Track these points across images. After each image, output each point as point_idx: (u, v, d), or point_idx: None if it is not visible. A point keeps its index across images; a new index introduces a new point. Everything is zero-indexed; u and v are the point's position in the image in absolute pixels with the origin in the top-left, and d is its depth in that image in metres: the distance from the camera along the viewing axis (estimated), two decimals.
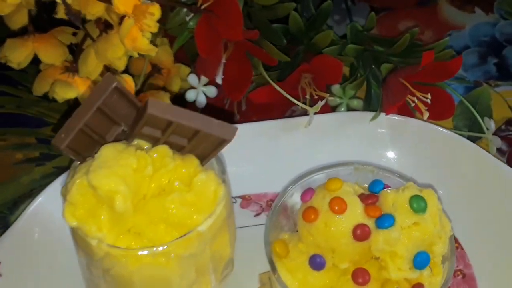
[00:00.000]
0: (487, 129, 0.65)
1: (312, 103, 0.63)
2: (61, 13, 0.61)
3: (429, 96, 0.62)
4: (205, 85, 0.65)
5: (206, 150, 0.43)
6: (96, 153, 0.42)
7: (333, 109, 0.67)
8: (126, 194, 0.40)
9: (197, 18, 0.62)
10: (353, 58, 0.65)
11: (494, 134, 0.64)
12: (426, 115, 0.62)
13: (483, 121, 0.65)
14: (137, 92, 0.65)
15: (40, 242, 0.56)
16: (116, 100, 0.42)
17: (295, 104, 0.64)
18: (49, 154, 0.69)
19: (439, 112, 0.65)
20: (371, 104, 0.66)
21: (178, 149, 0.43)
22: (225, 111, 0.69)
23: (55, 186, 0.58)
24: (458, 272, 0.58)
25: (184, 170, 0.42)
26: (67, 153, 0.42)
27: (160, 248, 0.41)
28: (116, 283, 0.43)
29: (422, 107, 0.63)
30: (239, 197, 0.63)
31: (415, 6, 0.84)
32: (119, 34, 0.55)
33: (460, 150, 0.62)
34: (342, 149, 0.63)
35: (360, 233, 0.49)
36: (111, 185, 0.39)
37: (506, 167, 0.59)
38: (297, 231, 0.55)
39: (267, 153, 0.63)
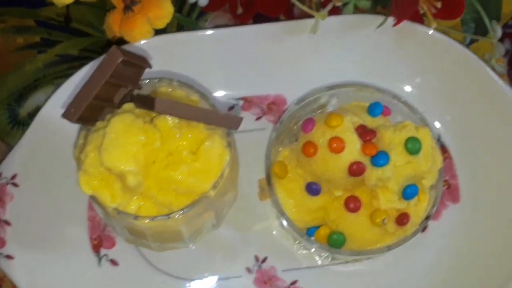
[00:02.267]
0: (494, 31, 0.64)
1: (319, 5, 0.62)
2: None
3: (439, 3, 0.60)
4: None
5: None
6: (105, 116, 0.43)
7: (339, 9, 0.65)
8: (137, 171, 0.42)
9: None
10: None
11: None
12: (434, 24, 0.61)
13: (490, 23, 0.64)
14: None
15: (52, 151, 0.58)
16: (123, 69, 0.41)
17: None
18: (50, 40, 0.68)
19: (447, 11, 0.63)
20: (380, 3, 0.64)
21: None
22: (228, 2, 0.67)
23: (62, 91, 0.59)
24: (444, 183, 0.61)
25: (190, 135, 0.44)
26: (79, 124, 0.43)
27: (169, 216, 0.44)
28: (130, 231, 0.47)
29: (431, 14, 0.61)
30: (241, 98, 0.64)
31: None
32: None
33: (470, 67, 0.61)
34: (346, 55, 0.63)
35: (356, 170, 0.52)
36: (123, 166, 0.41)
37: (501, 82, 0.60)
38: (296, 140, 0.58)
39: (269, 55, 0.63)
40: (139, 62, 0.42)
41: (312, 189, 0.54)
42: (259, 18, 0.65)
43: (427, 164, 0.53)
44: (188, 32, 0.62)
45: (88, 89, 0.41)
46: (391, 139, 0.52)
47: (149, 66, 0.43)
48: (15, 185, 0.57)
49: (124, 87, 0.44)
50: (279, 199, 0.55)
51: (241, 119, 0.44)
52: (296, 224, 0.54)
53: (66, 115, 0.42)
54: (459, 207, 0.61)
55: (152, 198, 0.44)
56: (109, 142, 0.42)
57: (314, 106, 0.59)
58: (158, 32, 0.61)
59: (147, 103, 0.42)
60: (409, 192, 0.53)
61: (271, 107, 0.64)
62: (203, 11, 0.69)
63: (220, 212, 0.50)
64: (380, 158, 0.52)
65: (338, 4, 0.64)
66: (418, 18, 0.63)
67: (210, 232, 0.52)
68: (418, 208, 0.55)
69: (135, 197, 0.44)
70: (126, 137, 0.42)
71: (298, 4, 0.60)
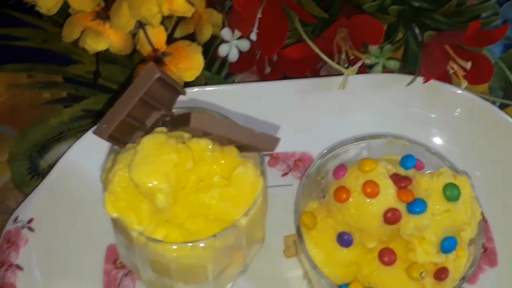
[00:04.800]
0: None
1: (347, 62, 0.62)
2: None
3: (469, 63, 0.60)
4: (238, 38, 0.63)
5: (246, 149, 0.42)
6: (136, 140, 0.41)
7: (368, 68, 0.65)
8: (168, 191, 0.40)
9: None
10: (394, 18, 0.62)
11: None
12: (465, 83, 0.61)
13: None
14: (168, 38, 0.63)
15: (71, 198, 0.56)
16: (158, 88, 0.41)
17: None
18: (77, 95, 0.68)
19: (476, 76, 0.63)
20: (408, 66, 0.64)
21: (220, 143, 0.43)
22: (256, 63, 0.67)
23: (86, 139, 0.58)
24: None
25: (223, 161, 0.42)
26: (109, 142, 0.42)
27: (199, 243, 0.41)
28: (153, 267, 0.44)
29: (461, 74, 0.61)
30: (267, 154, 0.63)
31: None
32: None
33: (499, 125, 0.60)
34: (376, 113, 0.62)
35: (391, 217, 0.49)
36: (153, 183, 0.39)
37: None
38: (324, 196, 0.56)
39: (297, 111, 0.63)
40: (175, 85, 0.41)
41: (344, 239, 0.51)
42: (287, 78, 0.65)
43: (467, 214, 0.50)
44: (216, 86, 0.62)
45: (121, 105, 0.40)
46: (428, 185, 0.50)
47: (184, 92, 0.42)
48: (31, 229, 0.54)
49: (157, 110, 0.42)
50: (308, 252, 0.52)
51: (278, 139, 0.42)
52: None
53: (98, 131, 0.41)
54: (496, 271, 0.57)
55: (180, 226, 0.42)
56: (140, 159, 0.40)
57: (343, 159, 0.57)
58: (186, 85, 0.61)
59: (181, 121, 0.41)
60: (447, 245, 0.50)
61: (298, 164, 0.63)
62: (232, 72, 0.69)
63: (247, 255, 0.47)
64: (417, 205, 0.49)
65: (367, 62, 0.64)
66: (446, 78, 0.63)
67: (234, 279, 0.48)
68: (456, 264, 0.51)
69: (162, 224, 0.41)
70: (157, 155, 0.40)
71: (327, 60, 0.60)
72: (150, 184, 0.39)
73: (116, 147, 0.44)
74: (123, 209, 0.41)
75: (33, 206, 0.55)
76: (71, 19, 0.61)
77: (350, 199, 0.50)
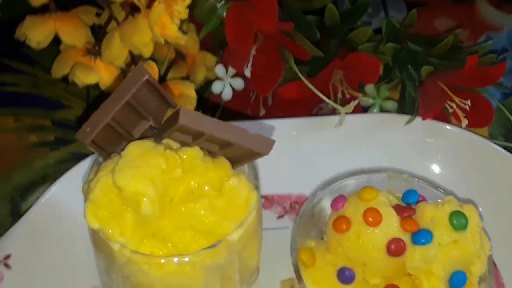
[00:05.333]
0: None
1: (343, 102, 0.60)
2: None
3: (468, 102, 0.59)
4: (232, 76, 0.61)
5: (239, 158, 0.40)
6: (122, 149, 0.39)
7: (365, 109, 0.63)
8: (154, 197, 0.37)
9: (228, 6, 0.58)
10: (390, 57, 0.61)
11: None
12: (465, 122, 0.59)
13: None
14: (160, 80, 0.62)
15: (52, 235, 0.53)
16: (146, 94, 0.38)
17: (324, 101, 0.61)
18: (65, 139, 0.66)
19: (476, 119, 0.61)
20: (405, 107, 0.62)
21: (209, 153, 0.40)
22: (250, 105, 0.65)
23: (71, 175, 0.55)
24: None
25: (214, 173, 0.39)
26: (92, 148, 0.39)
27: (186, 258, 0.38)
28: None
29: (461, 113, 0.59)
30: (262, 197, 0.60)
31: (451, 3, 0.80)
32: (147, 19, 0.51)
33: (497, 161, 0.58)
34: (373, 153, 0.60)
35: (395, 248, 0.46)
36: (138, 187, 0.36)
37: None
38: (322, 238, 0.52)
39: (293, 152, 0.60)
40: (164, 94, 0.39)
41: (345, 275, 0.48)
42: None
43: (475, 246, 0.47)
44: None
45: (106, 108, 0.38)
46: (433, 214, 0.47)
47: (174, 105, 0.40)
48: (7, 266, 0.50)
49: (145, 119, 0.40)
50: None
51: (273, 141, 0.40)
52: None
53: (80, 134, 0.38)
54: None
55: (166, 240, 0.38)
56: (125, 162, 0.37)
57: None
58: None
59: (169, 123, 0.38)
60: (456, 280, 0.46)
61: (294, 206, 0.60)
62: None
63: (243, 278, 0.43)
64: (422, 235, 0.46)
65: (364, 104, 0.63)
66: (445, 119, 0.61)
67: None
68: None
69: (145, 240, 0.38)
70: (144, 159, 0.37)
71: (323, 97, 0.59)
72: (134, 188, 0.36)
73: (100, 159, 0.41)
74: (105, 219, 0.38)
75: (11, 241, 0.51)
76: (61, 55, 0.59)
77: (351, 229, 0.47)
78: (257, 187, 0.41)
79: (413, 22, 0.63)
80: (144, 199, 0.36)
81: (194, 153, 0.39)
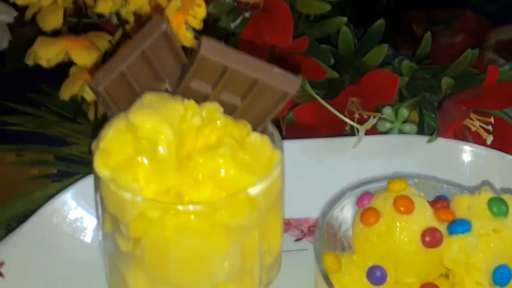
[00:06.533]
0: None
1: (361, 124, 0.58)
2: (94, 18, 0.58)
3: (491, 120, 0.57)
4: None
5: (263, 110, 0.37)
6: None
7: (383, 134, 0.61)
8: (171, 138, 0.33)
9: (243, 26, 0.58)
10: (407, 79, 0.60)
11: None
12: (490, 139, 0.56)
13: None
14: None
15: (47, 245, 0.49)
16: (163, 48, 0.36)
17: (341, 128, 0.59)
18: (68, 172, 0.63)
19: (499, 144, 0.59)
20: (425, 129, 0.60)
21: (230, 110, 0.37)
22: None
23: (74, 189, 0.52)
24: None
25: (235, 129, 0.36)
26: (103, 100, 0.36)
27: (203, 206, 0.34)
28: (148, 262, 0.35)
29: (484, 132, 0.57)
30: None
31: None
32: None
33: None
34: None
35: (430, 239, 0.42)
36: (155, 125, 0.33)
37: None
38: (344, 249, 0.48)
39: (310, 174, 0.57)
40: (180, 52, 0.37)
41: (376, 275, 0.43)
42: None
43: None
44: None
45: (122, 56, 0.35)
46: (470, 202, 0.43)
47: (197, 49, 0.36)
48: (0, 274, 0.46)
49: (161, 81, 0.37)
50: None
51: (300, 80, 0.36)
52: None
53: (92, 82, 0.35)
54: None
55: (183, 197, 0.34)
56: (141, 104, 0.34)
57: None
58: None
59: (188, 65, 0.35)
60: (501, 275, 0.41)
61: (312, 229, 0.55)
62: None
63: (263, 261, 0.38)
64: (459, 225, 0.42)
65: (382, 129, 0.60)
66: (465, 139, 0.59)
67: None
68: None
69: (161, 194, 0.34)
70: (161, 104, 0.34)
71: (340, 115, 0.57)
72: (150, 126, 0.33)
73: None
74: (117, 167, 0.34)
75: (6, 249, 0.47)
76: (70, 77, 0.58)
77: (380, 221, 0.43)
78: (281, 148, 0.38)
79: (427, 50, 0.62)
80: (162, 137, 0.33)
81: (214, 107, 0.36)
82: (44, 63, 0.57)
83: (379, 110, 0.60)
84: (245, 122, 0.37)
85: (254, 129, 0.37)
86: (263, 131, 0.38)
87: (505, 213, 0.42)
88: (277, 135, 0.39)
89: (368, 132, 0.57)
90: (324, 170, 0.57)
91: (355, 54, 0.62)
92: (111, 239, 0.37)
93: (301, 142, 0.58)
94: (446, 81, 0.56)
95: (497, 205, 0.42)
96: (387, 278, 0.43)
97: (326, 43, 0.62)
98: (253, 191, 0.35)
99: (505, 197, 0.43)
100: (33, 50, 0.57)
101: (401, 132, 0.60)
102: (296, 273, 0.50)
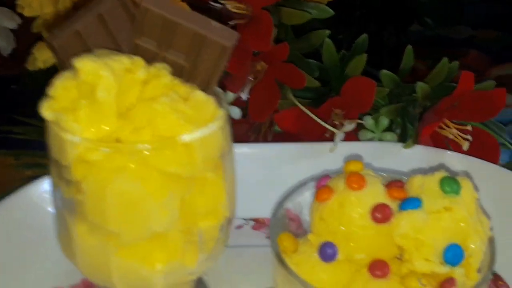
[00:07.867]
0: None
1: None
2: None
3: (469, 127, 0.57)
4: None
5: (207, 69, 0.39)
6: None
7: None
8: (111, 83, 0.35)
9: None
10: (387, 90, 0.61)
11: None
12: (466, 145, 0.56)
13: None
14: None
15: (18, 233, 0.51)
16: (120, 15, 0.39)
17: (321, 135, 0.60)
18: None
19: (477, 152, 0.58)
20: (406, 137, 0.61)
21: (178, 72, 0.39)
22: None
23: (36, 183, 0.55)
24: None
25: (181, 86, 0.38)
26: (57, 54, 0.39)
27: (139, 146, 0.35)
28: (87, 208, 0.37)
29: (461, 140, 0.57)
30: (252, 219, 0.57)
31: None
32: None
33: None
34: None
35: (380, 214, 0.42)
36: (95, 68, 0.35)
37: None
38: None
39: (286, 177, 0.58)
40: (136, 20, 0.39)
41: (327, 251, 0.43)
42: None
43: (471, 217, 0.42)
44: None
45: (79, 16, 0.38)
46: (422, 181, 0.43)
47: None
48: None
49: (118, 46, 0.40)
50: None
51: (237, 34, 0.38)
52: None
53: (50, 37, 0.38)
54: None
55: (121, 141, 0.36)
56: (87, 55, 0.36)
57: None
58: None
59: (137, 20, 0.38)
60: (451, 254, 0.41)
61: None
62: None
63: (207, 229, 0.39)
64: (410, 202, 0.42)
65: (363, 139, 0.61)
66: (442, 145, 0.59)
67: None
68: (467, 284, 0.41)
69: (102, 141, 0.35)
70: (108, 56, 0.36)
71: (319, 121, 0.58)
72: (91, 68, 0.35)
73: None
74: (61, 110, 0.36)
75: None
76: None
77: (333, 198, 0.43)
78: (225, 110, 0.39)
79: (410, 64, 0.63)
80: (101, 81, 0.35)
81: (161, 65, 0.38)
82: (41, 64, 0.60)
83: (361, 119, 0.61)
84: (193, 86, 0.39)
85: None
86: (210, 94, 0.39)
87: (457, 191, 0.42)
88: (223, 98, 0.40)
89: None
90: (300, 173, 0.58)
91: (340, 68, 0.63)
92: (57, 190, 0.39)
93: (279, 146, 0.60)
94: (421, 86, 0.57)
95: (449, 184, 0.42)
96: (338, 255, 0.43)
97: (314, 58, 0.64)
98: (188, 137, 0.36)
99: (459, 178, 0.43)
100: (32, 54, 0.61)
101: (381, 141, 0.61)
102: (266, 268, 0.50)
